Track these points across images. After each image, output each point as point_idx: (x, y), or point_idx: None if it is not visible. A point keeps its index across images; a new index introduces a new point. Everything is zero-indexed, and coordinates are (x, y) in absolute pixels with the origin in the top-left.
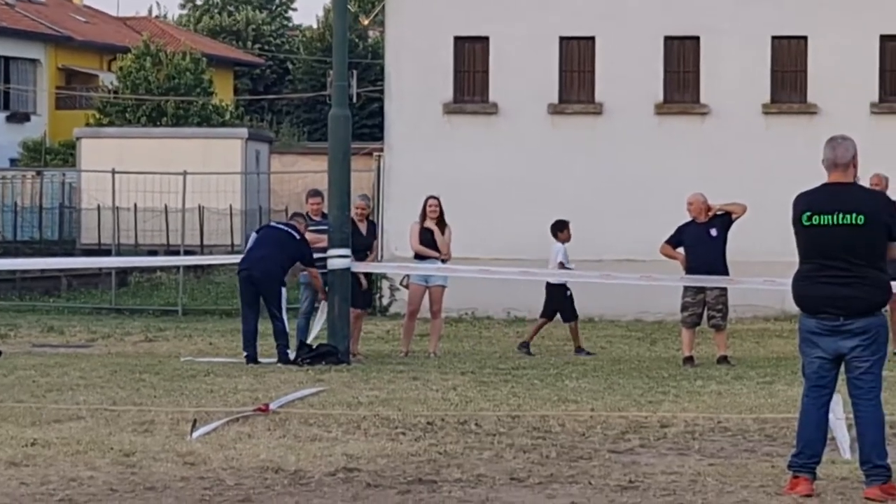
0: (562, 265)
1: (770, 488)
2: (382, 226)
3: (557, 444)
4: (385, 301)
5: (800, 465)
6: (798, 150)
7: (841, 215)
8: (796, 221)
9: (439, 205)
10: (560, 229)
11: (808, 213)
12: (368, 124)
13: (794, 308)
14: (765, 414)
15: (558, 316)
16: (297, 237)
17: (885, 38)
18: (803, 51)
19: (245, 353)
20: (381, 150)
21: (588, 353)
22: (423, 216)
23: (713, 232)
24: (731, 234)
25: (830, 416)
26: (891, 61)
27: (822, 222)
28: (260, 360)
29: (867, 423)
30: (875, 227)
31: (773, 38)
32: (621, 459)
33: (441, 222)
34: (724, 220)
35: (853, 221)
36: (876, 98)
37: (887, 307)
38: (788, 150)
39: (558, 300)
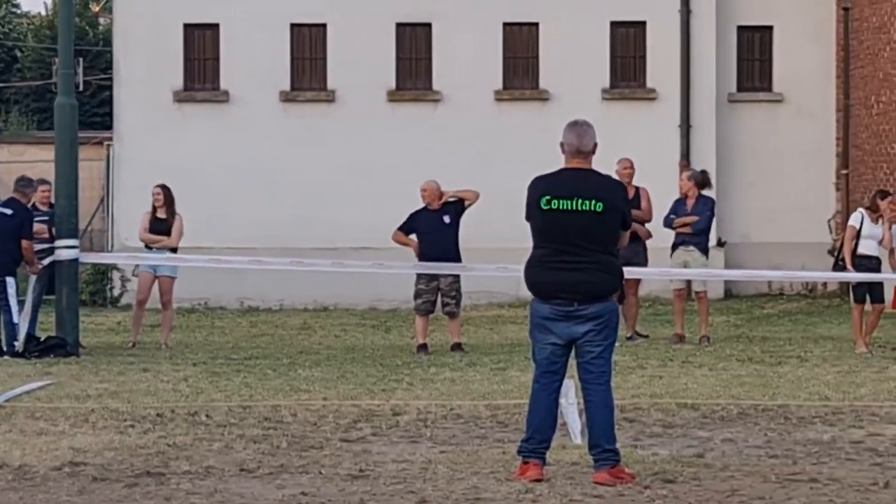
0: None
1: (500, 474)
2: (113, 215)
3: (288, 434)
4: (116, 292)
5: (530, 450)
6: (531, 136)
7: (580, 201)
8: (533, 204)
9: (163, 193)
10: None
11: (548, 197)
12: (100, 113)
13: (528, 294)
14: (497, 400)
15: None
16: (10, 213)
17: (615, 25)
18: (535, 37)
19: None
20: (112, 138)
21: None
22: (154, 205)
23: (446, 219)
24: (465, 220)
25: (562, 400)
26: (621, 47)
27: (560, 207)
28: None
29: (597, 407)
30: (612, 214)
31: (505, 24)
32: (352, 448)
33: (170, 211)
34: (457, 206)
35: (592, 208)
36: (607, 84)
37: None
38: (521, 137)
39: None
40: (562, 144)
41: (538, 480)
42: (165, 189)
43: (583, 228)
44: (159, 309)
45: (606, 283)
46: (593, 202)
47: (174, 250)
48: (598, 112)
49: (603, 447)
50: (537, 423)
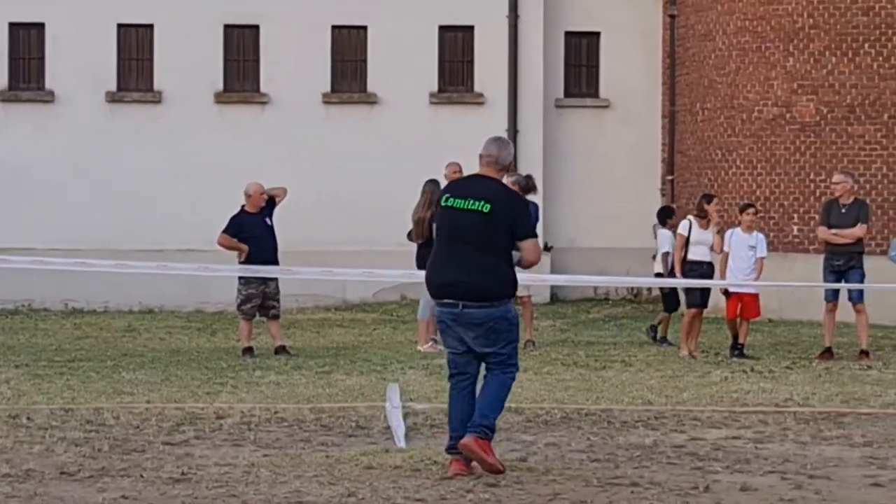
0: (666, 254)
1: (324, 478)
2: None
3: (111, 437)
4: None
5: (453, 447)
6: (358, 139)
7: (471, 201)
8: (438, 202)
9: None
10: (669, 216)
11: (447, 195)
12: None
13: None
14: (322, 404)
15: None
16: None
17: (444, 29)
18: (363, 40)
19: None
20: None
21: (669, 344)
22: None
23: (268, 221)
24: (293, 223)
25: (386, 405)
26: (450, 52)
27: (454, 205)
28: None
29: (490, 385)
30: (498, 218)
31: (334, 27)
32: (175, 451)
33: None
34: (271, 206)
35: (479, 208)
36: (435, 88)
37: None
38: (348, 139)
39: (665, 292)
40: (481, 156)
41: (461, 474)
42: None
43: (468, 227)
44: None
45: (490, 286)
46: (482, 203)
47: None
48: (425, 116)
49: (478, 422)
50: (457, 424)
